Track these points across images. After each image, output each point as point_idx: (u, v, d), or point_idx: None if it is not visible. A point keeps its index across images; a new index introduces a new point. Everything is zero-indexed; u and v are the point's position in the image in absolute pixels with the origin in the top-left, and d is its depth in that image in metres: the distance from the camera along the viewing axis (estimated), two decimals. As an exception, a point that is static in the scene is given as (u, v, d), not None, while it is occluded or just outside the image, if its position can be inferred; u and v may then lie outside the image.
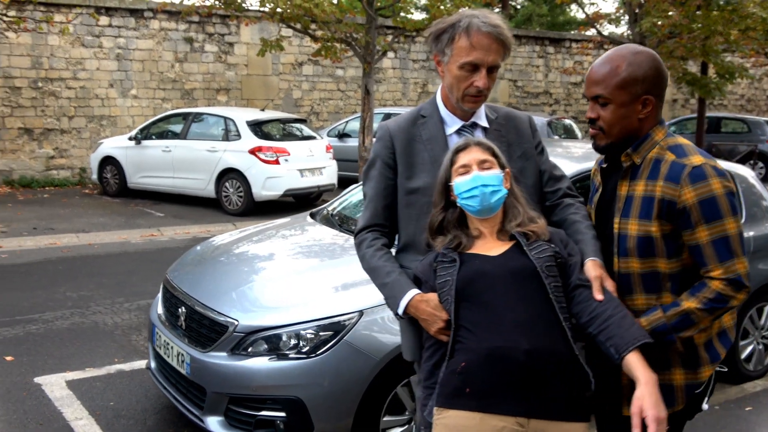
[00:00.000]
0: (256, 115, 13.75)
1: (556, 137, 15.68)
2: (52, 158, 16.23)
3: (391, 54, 20.33)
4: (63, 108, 16.18)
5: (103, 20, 16.39)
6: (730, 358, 5.44)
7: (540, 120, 15.78)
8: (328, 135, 16.91)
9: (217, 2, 13.98)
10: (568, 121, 17.48)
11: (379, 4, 14.43)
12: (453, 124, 2.70)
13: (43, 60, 15.74)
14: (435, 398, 2.28)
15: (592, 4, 21.14)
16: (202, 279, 4.56)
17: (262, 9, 13.86)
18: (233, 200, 13.11)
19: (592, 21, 19.08)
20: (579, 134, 17.30)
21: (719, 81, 19.37)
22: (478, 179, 2.44)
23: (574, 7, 23.13)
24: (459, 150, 2.52)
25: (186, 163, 13.61)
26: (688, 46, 17.35)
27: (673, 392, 2.46)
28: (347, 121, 17.40)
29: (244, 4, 14.05)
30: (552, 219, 2.69)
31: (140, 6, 16.91)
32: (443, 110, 2.71)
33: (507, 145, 2.70)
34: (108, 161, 14.66)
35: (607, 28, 20.77)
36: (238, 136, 13.10)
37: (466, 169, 2.46)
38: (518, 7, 37.07)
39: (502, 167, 2.51)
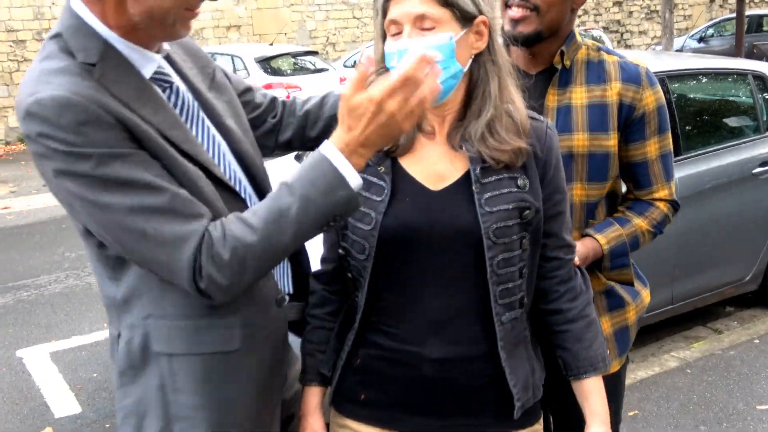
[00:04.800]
0: (265, 50, 13.18)
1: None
2: (64, 111, 15.88)
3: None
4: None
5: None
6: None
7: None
8: (345, 66, 16.24)
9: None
10: (596, 32, 16.56)
11: None
12: (147, 62, 1.45)
13: (44, 10, 15.23)
14: (330, 393, 1.70)
15: None
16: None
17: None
18: (247, 141, 12.64)
19: None
20: (610, 45, 16.37)
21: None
22: (401, 54, 1.48)
23: None
24: None
25: (196, 106, 13.14)
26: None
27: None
28: (365, 50, 16.71)
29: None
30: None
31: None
32: (121, 43, 1.40)
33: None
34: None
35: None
36: (247, 74, 12.56)
37: (398, 28, 1.51)
38: None
39: (467, 21, 1.51)
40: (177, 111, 1.49)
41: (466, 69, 1.53)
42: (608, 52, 2.05)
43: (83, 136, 1.28)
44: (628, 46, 22.91)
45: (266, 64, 12.70)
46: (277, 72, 12.75)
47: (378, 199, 1.53)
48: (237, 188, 1.54)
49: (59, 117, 1.27)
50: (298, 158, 5.07)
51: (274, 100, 1.90)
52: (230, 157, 1.58)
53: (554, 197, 1.60)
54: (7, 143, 15.19)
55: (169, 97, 1.48)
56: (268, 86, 12.18)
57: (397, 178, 1.56)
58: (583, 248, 1.94)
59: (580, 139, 1.96)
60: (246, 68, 12.58)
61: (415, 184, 1.55)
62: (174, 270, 1.35)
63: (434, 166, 1.56)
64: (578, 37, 2.03)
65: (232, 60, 12.87)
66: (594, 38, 15.87)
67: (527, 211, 1.53)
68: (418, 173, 1.56)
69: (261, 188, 1.63)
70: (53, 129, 1.28)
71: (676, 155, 4.20)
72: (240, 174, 1.59)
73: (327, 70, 13.48)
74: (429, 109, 1.45)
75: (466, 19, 1.50)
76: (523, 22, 1.93)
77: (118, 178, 1.31)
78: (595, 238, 2.00)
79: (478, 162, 1.52)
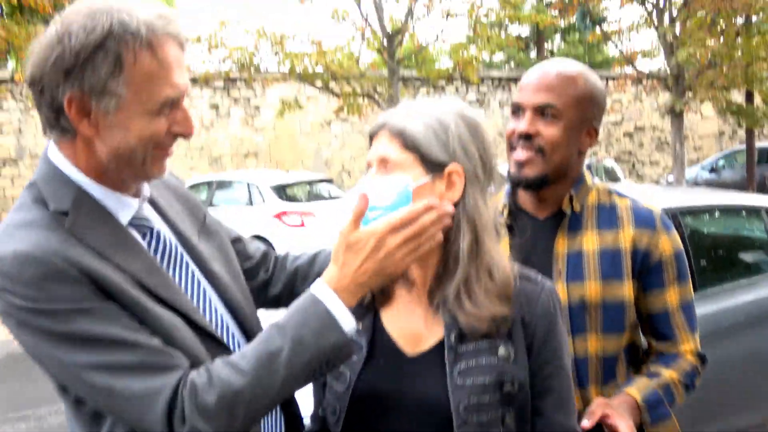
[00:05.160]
0: (281, 177, 13.39)
1: (597, 179, 14.96)
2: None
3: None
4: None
5: (127, 93, 16.34)
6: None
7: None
8: (360, 193, 16.44)
9: (234, 66, 13.77)
10: (608, 163, 16.74)
11: (401, 54, 14.08)
12: (124, 208, 1.41)
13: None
14: None
15: (627, 39, 20.56)
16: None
17: (280, 69, 13.60)
18: (260, 267, 12.64)
19: (628, 59, 18.43)
20: (621, 176, 16.52)
21: (767, 109, 18.50)
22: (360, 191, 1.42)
23: (611, 44, 22.59)
24: (371, 134, 1.50)
25: (211, 231, 13.24)
26: (730, 75, 16.56)
27: None
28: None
29: (261, 66, 13.81)
30: (291, 283, 1.79)
31: (164, 76, 16.86)
32: (95, 189, 1.37)
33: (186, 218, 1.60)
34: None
35: (642, 63, 20.12)
36: (263, 200, 12.71)
37: (370, 168, 1.47)
38: (553, 49, 36.67)
39: (435, 168, 1.41)
40: (158, 256, 1.44)
41: None
42: (620, 195, 1.98)
43: (45, 291, 1.23)
44: (639, 176, 23.16)
45: (282, 191, 12.87)
46: (292, 199, 12.89)
47: (355, 358, 1.44)
48: (223, 335, 1.47)
49: (21, 272, 1.23)
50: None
51: (266, 254, 1.86)
52: (217, 303, 1.51)
53: (544, 371, 1.42)
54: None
55: (149, 243, 1.44)
56: (283, 213, 12.30)
57: (375, 336, 1.48)
58: (618, 405, 1.76)
59: (592, 288, 1.85)
60: (261, 195, 12.74)
61: (391, 346, 1.46)
62: (147, 425, 1.27)
63: (413, 325, 1.47)
64: (589, 180, 1.97)
65: (248, 187, 13.06)
66: (606, 168, 16.04)
67: (508, 386, 1.37)
68: (396, 332, 1.47)
69: (251, 335, 1.53)
70: (15, 284, 1.24)
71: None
72: (228, 320, 1.52)
73: (341, 197, 13.65)
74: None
75: (433, 165, 1.41)
76: (528, 165, 1.87)
77: (83, 334, 1.25)
78: (627, 393, 1.82)
79: (453, 328, 1.40)
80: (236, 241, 1.78)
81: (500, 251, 1.46)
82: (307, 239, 12.22)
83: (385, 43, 13.82)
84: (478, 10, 14.35)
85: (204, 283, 1.50)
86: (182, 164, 17.01)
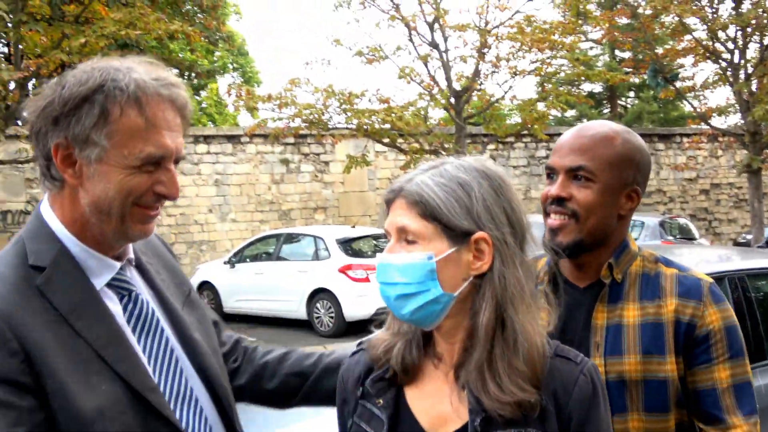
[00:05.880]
0: (346, 232, 13.48)
1: (671, 238, 14.56)
2: (153, 285, 16.44)
3: (481, 158, 19.94)
4: (164, 236, 16.29)
5: (201, 147, 16.81)
6: None
7: (652, 220, 14.74)
8: (426, 248, 16.41)
9: (303, 124, 14.06)
10: (683, 220, 16.30)
11: (470, 111, 14.15)
12: (103, 270, 1.43)
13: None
14: None
15: (702, 96, 20.15)
16: None
17: (348, 126, 13.82)
18: (324, 321, 12.66)
19: (702, 116, 18.06)
20: (696, 233, 16.04)
21: None
22: (381, 269, 1.37)
23: (686, 101, 22.20)
24: (387, 200, 1.41)
25: (277, 284, 13.37)
26: (811, 132, 16.06)
27: None
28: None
29: (330, 123, 14.07)
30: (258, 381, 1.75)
31: (237, 132, 17.30)
32: (78, 247, 1.40)
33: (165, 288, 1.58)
34: (205, 286, 14.64)
35: (717, 121, 19.67)
36: (328, 254, 12.79)
37: (389, 237, 1.39)
38: (627, 106, 36.25)
39: (460, 238, 1.32)
40: (131, 321, 1.44)
41: (457, 294, 1.32)
42: (667, 264, 1.83)
43: None
44: (716, 234, 22.46)
45: (347, 245, 12.93)
46: (357, 253, 12.93)
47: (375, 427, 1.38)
48: (184, 408, 1.44)
49: None
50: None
51: (237, 342, 1.83)
52: (190, 372, 1.49)
53: None
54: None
55: (125, 306, 1.44)
56: (348, 267, 12.33)
57: (398, 413, 1.38)
58: None
59: (632, 363, 1.72)
60: (327, 249, 12.83)
61: (414, 426, 1.37)
62: None
63: (439, 405, 1.37)
64: (633, 247, 1.84)
65: (315, 241, 13.18)
66: (680, 225, 15.60)
67: None
68: (420, 412, 1.38)
69: (224, 407, 1.54)
70: None
71: (759, 359, 3.95)
72: (199, 389, 1.50)
73: (406, 252, 13.65)
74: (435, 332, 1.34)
75: (457, 235, 1.31)
76: (562, 231, 1.77)
77: None
78: None
79: (478, 412, 1.29)
80: (214, 323, 1.76)
81: (534, 326, 1.34)
82: (371, 294, 12.20)
83: (453, 101, 13.93)
84: (546, 68, 14.36)
85: (178, 351, 1.49)
86: (252, 217, 17.33)
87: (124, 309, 1.43)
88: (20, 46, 10.92)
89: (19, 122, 16.46)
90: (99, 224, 1.39)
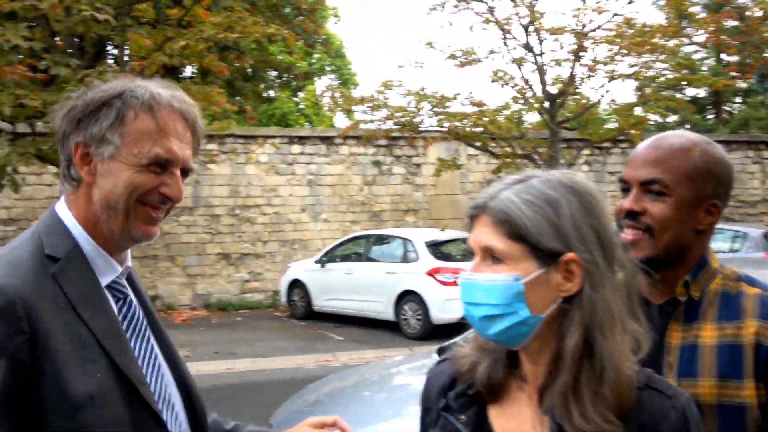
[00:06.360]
0: (435, 235, 13.48)
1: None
2: (247, 282, 16.84)
3: (585, 167, 19.51)
4: (258, 233, 16.87)
5: (296, 148, 17.14)
6: None
7: (756, 232, 14.08)
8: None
9: (394, 126, 14.14)
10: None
11: (565, 116, 13.92)
12: (108, 270, 1.52)
13: (240, 189, 16.63)
14: None
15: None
16: None
17: (440, 128, 13.81)
18: (412, 323, 12.70)
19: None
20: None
21: None
22: (465, 288, 1.36)
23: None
24: (471, 215, 1.38)
25: (366, 285, 13.50)
26: None
27: None
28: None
29: (421, 125, 14.10)
30: None
31: (331, 133, 17.55)
32: (89, 245, 1.50)
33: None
34: (296, 284, 14.95)
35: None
36: (417, 257, 12.83)
37: (471, 252, 1.38)
38: (733, 111, 34.83)
39: (549, 259, 1.28)
40: (125, 322, 1.52)
41: (544, 316, 1.29)
42: (750, 283, 1.74)
43: None
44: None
45: (436, 248, 12.93)
46: (446, 257, 12.91)
47: None
48: (164, 410, 1.50)
49: None
50: (441, 352, 4.97)
51: None
52: (169, 379, 1.57)
53: None
54: (193, 308, 16.21)
55: (120, 309, 1.52)
56: (436, 270, 12.33)
57: (480, 430, 1.36)
58: None
59: (706, 387, 1.64)
60: (416, 251, 12.86)
61: None
62: None
63: (521, 427, 1.33)
64: (714, 264, 1.76)
65: (404, 243, 13.23)
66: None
67: None
68: (504, 424, 1.36)
69: (196, 414, 1.61)
70: None
71: None
72: (176, 398, 1.57)
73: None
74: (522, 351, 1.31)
75: (545, 256, 1.27)
76: (636, 246, 1.70)
77: None
78: None
79: None
80: None
81: (623, 353, 1.29)
82: (459, 298, 12.09)
83: (547, 105, 13.73)
84: (646, 72, 13.96)
85: (160, 358, 1.57)
86: (343, 218, 17.54)
87: (119, 311, 1.52)
88: (126, 49, 11.42)
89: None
90: (107, 221, 1.49)
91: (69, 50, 10.44)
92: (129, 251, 1.61)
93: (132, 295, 1.58)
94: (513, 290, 1.27)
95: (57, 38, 10.56)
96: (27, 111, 9.71)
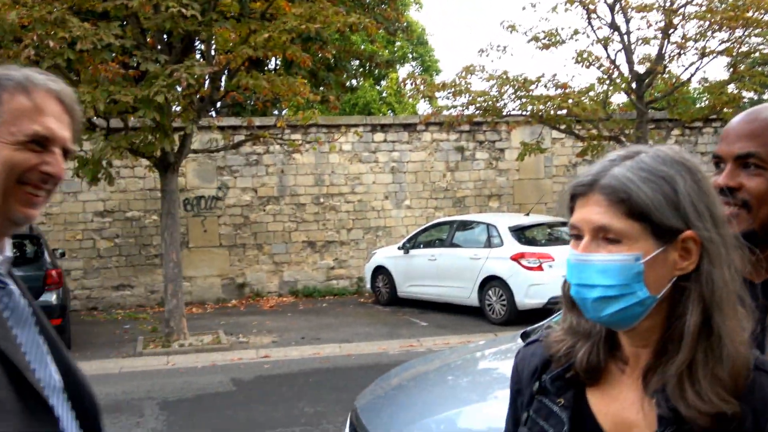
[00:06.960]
0: (519, 220, 13.35)
1: None
2: (332, 269, 17.09)
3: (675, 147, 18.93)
4: (342, 221, 17.07)
5: (379, 136, 17.23)
6: None
7: None
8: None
9: (476, 111, 14.04)
10: None
11: (654, 95, 13.53)
12: None
13: (324, 177, 16.85)
14: None
15: None
16: (395, 418, 4.07)
17: (523, 113, 13.63)
18: (496, 309, 12.63)
19: None
20: None
21: None
22: (577, 269, 1.28)
23: None
24: (576, 193, 1.32)
25: (450, 271, 13.49)
26: None
27: None
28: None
29: (504, 110, 13.95)
30: None
31: (413, 120, 17.57)
32: None
33: None
34: (380, 270, 15.07)
35: None
36: (501, 242, 12.74)
37: (579, 233, 1.29)
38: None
39: (667, 236, 1.25)
40: (8, 311, 1.48)
41: (660, 296, 1.25)
42: None
43: None
44: None
45: (520, 233, 12.80)
46: (530, 242, 12.77)
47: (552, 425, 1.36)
48: (51, 397, 1.47)
49: None
50: (525, 337, 4.94)
51: None
52: (52, 365, 1.53)
53: None
54: (280, 295, 16.57)
55: (1, 298, 1.49)
56: (521, 255, 12.22)
57: (578, 416, 1.34)
58: None
59: None
60: (500, 236, 12.77)
61: (596, 429, 1.33)
62: None
63: (624, 411, 1.31)
64: None
65: (488, 228, 13.16)
66: None
67: None
68: (603, 416, 1.33)
69: (84, 404, 1.56)
70: None
71: None
72: (59, 382, 1.53)
73: (582, 242, 13.30)
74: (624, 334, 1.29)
75: (664, 234, 1.23)
76: (732, 222, 1.58)
77: None
78: None
79: (669, 424, 1.22)
80: None
81: (740, 332, 1.26)
82: (544, 283, 12.01)
83: (634, 85, 13.38)
84: (739, 48, 13.42)
85: (44, 346, 1.54)
86: (427, 204, 17.55)
87: (0, 300, 1.50)
88: (212, 43, 11.69)
89: (213, 113, 17.65)
90: None
91: (158, 47, 10.77)
92: (8, 242, 1.56)
93: (13, 285, 1.54)
94: (633, 270, 1.23)
95: (147, 35, 10.89)
96: (120, 106, 10.07)
